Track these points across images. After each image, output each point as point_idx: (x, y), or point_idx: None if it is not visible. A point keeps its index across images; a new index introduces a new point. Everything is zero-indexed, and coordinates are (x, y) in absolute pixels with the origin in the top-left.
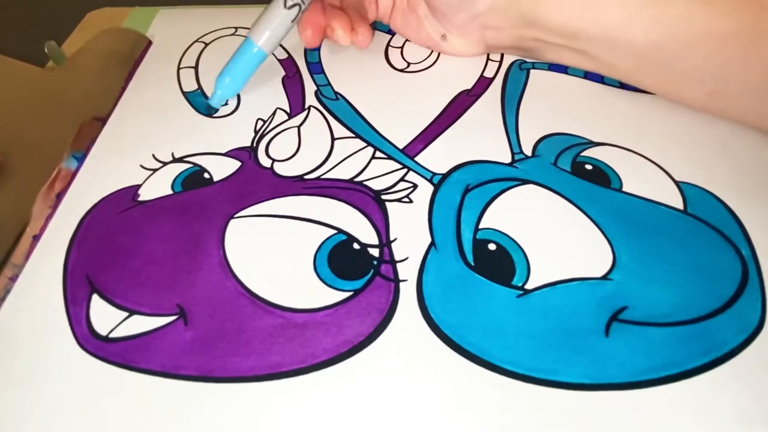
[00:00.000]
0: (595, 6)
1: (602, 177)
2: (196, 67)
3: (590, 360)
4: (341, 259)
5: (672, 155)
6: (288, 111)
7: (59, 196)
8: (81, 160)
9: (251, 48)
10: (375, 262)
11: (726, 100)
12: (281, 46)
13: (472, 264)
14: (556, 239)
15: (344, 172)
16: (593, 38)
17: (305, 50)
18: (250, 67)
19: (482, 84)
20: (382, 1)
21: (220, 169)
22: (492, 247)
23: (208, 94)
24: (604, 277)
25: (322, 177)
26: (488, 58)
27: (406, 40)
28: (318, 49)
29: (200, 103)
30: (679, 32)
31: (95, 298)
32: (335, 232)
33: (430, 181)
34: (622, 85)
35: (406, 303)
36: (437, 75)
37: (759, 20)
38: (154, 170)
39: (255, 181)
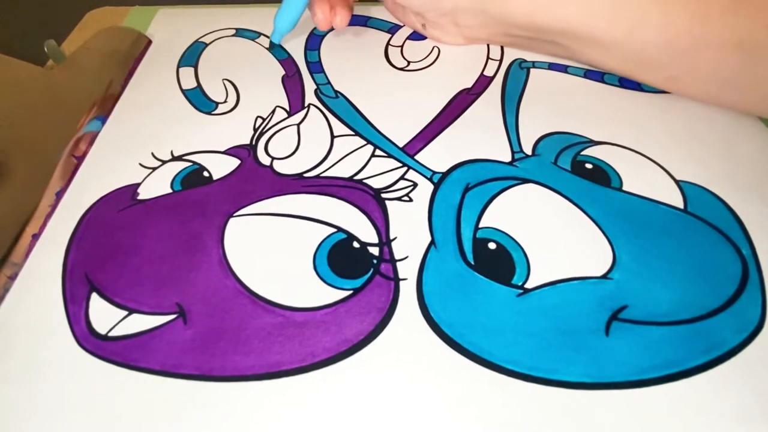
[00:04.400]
0: (560, 5)
1: (602, 176)
2: (195, 66)
3: (590, 359)
4: (341, 257)
5: (672, 154)
6: (287, 109)
7: (59, 195)
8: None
9: None
10: (375, 261)
11: (681, 84)
12: (281, 46)
13: (472, 263)
14: (556, 238)
15: (344, 170)
16: (559, 33)
17: (305, 50)
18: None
19: (482, 82)
20: None
21: (220, 167)
22: (492, 246)
23: (208, 93)
24: (604, 276)
25: (321, 175)
26: (488, 57)
27: (407, 38)
28: (318, 48)
29: (200, 101)
30: (636, 31)
31: (94, 296)
32: (335, 230)
33: (430, 179)
34: (622, 84)
35: (406, 302)
36: (437, 73)
37: (707, 20)
38: (154, 169)
39: (254, 179)
